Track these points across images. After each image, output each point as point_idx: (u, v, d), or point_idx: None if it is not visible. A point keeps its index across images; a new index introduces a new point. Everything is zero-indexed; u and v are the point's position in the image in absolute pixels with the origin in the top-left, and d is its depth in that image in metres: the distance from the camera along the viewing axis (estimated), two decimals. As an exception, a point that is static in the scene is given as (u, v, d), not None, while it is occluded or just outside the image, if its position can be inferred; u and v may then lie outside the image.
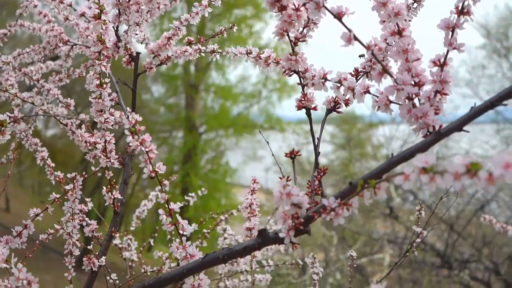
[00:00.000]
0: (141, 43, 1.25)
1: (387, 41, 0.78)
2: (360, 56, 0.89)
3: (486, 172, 0.46)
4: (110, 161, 1.10)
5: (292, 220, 0.70)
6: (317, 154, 0.85)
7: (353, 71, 0.87)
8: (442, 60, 0.71)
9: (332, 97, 0.88)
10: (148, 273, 1.47)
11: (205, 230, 1.68)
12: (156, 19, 1.30)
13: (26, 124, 1.27)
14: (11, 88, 1.29)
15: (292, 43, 0.84)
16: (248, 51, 1.02)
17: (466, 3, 0.69)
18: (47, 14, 1.48)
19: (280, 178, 0.71)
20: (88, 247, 1.15)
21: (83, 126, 1.27)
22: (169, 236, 1.64)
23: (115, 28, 1.21)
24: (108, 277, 1.18)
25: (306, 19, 0.80)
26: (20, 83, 1.54)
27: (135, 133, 0.72)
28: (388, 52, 0.78)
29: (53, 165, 1.31)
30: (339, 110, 0.89)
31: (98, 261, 1.12)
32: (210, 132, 11.86)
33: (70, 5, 1.40)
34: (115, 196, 1.16)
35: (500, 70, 9.38)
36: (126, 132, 0.72)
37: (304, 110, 0.90)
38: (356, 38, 0.70)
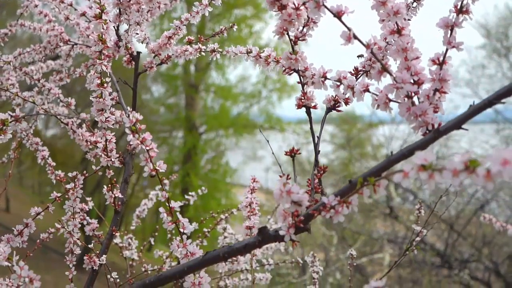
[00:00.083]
0: (142, 42, 1.25)
1: (386, 40, 0.78)
2: (358, 56, 0.89)
3: (484, 169, 0.46)
4: (111, 160, 1.11)
5: (292, 218, 0.70)
6: (317, 152, 0.85)
7: (353, 70, 0.88)
8: (441, 58, 0.71)
9: (332, 96, 0.88)
10: (149, 272, 1.47)
11: (205, 229, 1.68)
12: (156, 19, 1.31)
13: (27, 123, 1.28)
14: (12, 87, 1.29)
15: (292, 42, 0.85)
16: (248, 50, 1.03)
17: (465, 2, 0.69)
18: (48, 14, 1.48)
19: (280, 176, 0.71)
20: (89, 245, 1.16)
21: (83, 125, 1.27)
22: (169, 235, 1.64)
23: (116, 28, 1.21)
24: (108, 276, 1.19)
25: (306, 18, 0.80)
26: (21, 83, 1.55)
27: (136, 132, 0.73)
28: (388, 51, 0.79)
29: (54, 164, 1.31)
30: (339, 109, 0.89)
31: (99, 260, 1.12)
32: (210, 132, 11.87)
33: (71, 5, 1.40)
34: (116, 195, 1.17)
35: (500, 70, 9.39)
36: (127, 130, 0.72)
37: (304, 110, 0.91)
38: (355, 37, 0.70)
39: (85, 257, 1.13)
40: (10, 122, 0.91)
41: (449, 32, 0.70)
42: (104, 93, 1.00)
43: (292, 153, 0.88)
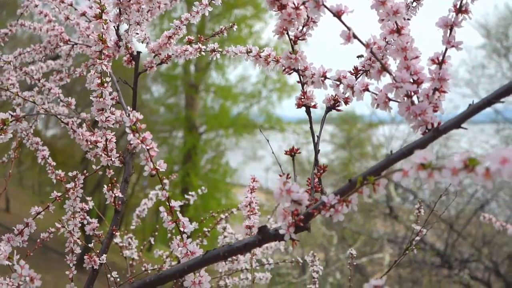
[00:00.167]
0: (142, 42, 1.25)
1: (386, 40, 0.78)
2: (358, 57, 0.89)
3: (484, 167, 0.46)
4: (111, 159, 1.11)
5: (292, 217, 0.70)
6: (316, 151, 0.85)
7: (353, 69, 0.88)
8: (440, 58, 0.71)
9: (332, 95, 0.88)
10: (149, 271, 1.48)
11: (205, 229, 1.68)
12: (156, 19, 1.31)
13: (27, 123, 1.28)
14: (12, 87, 1.29)
15: (292, 42, 0.85)
16: (248, 50, 1.03)
17: (464, 1, 0.70)
18: (48, 14, 1.48)
19: (280, 175, 0.71)
20: (89, 245, 1.16)
21: (84, 125, 1.27)
22: (169, 235, 1.64)
23: (116, 28, 1.22)
24: (109, 275, 1.19)
25: (306, 17, 0.81)
26: (21, 83, 1.55)
27: (136, 131, 0.73)
28: (387, 51, 0.79)
29: (54, 163, 1.31)
30: (338, 108, 0.90)
31: (99, 259, 1.13)
32: (210, 132, 11.87)
33: (71, 5, 1.40)
34: (116, 195, 1.17)
35: (500, 70, 9.40)
36: (127, 130, 0.73)
37: (304, 110, 0.91)
38: (355, 36, 0.70)
39: (85, 257, 1.13)
40: (11, 121, 0.91)
41: (449, 31, 0.70)
42: (104, 93, 1.01)
43: (292, 153, 0.88)
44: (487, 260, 6.60)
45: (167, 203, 0.80)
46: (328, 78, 0.85)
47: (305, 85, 0.88)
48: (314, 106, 0.89)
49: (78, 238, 1.14)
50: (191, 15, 1.21)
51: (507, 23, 9.23)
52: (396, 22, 0.73)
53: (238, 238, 1.71)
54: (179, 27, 1.23)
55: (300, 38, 0.85)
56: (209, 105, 11.77)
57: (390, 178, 0.59)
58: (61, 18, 1.44)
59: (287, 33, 0.83)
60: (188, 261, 0.77)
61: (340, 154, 11.71)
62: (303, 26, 0.85)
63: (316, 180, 0.83)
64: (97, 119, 1.06)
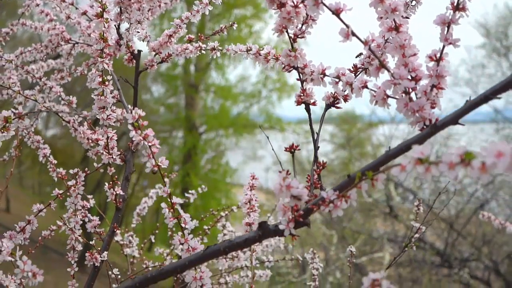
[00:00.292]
0: (143, 40, 1.26)
1: (384, 38, 0.79)
2: (357, 56, 0.90)
3: (480, 161, 0.47)
4: (112, 157, 1.12)
5: (291, 213, 0.71)
6: (316, 148, 0.86)
7: (352, 67, 0.89)
8: (438, 55, 0.72)
9: (331, 92, 0.89)
10: (150, 269, 1.48)
11: (205, 227, 1.69)
12: (156, 19, 1.32)
13: (29, 120, 1.29)
14: (14, 85, 1.30)
15: (291, 40, 0.86)
16: (248, 48, 1.04)
17: (461, -1, 0.70)
18: (49, 13, 1.49)
19: (280, 172, 0.72)
20: (91, 242, 1.17)
21: (85, 123, 1.28)
22: (169, 233, 1.65)
23: (117, 26, 1.22)
24: (110, 272, 1.20)
25: (305, 15, 0.82)
26: (22, 82, 1.56)
27: (138, 128, 0.74)
28: (386, 49, 0.80)
29: (55, 162, 1.32)
30: (338, 105, 0.90)
31: (101, 256, 1.13)
32: (210, 132, 11.87)
33: (72, 4, 1.41)
34: (117, 192, 1.18)
35: (500, 69, 9.41)
36: (130, 127, 0.74)
37: (303, 110, 0.92)
38: (354, 34, 0.71)
39: (86, 254, 1.14)
40: (13, 119, 0.92)
41: (446, 29, 0.71)
42: (105, 91, 1.01)
43: (292, 149, 0.89)
44: (487, 259, 6.61)
45: (169, 200, 0.81)
46: (327, 76, 0.86)
47: (304, 82, 0.89)
48: (314, 103, 0.89)
49: (80, 236, 1.15)
50: (191, 14, 1.22)
51: (506, 23, 9.24)
52: (394, 20, 0.74)
53: (238, 236, 1.71)
54: (180, 26, 1.24)
55: (299, 36, 0.86)
56: (209, 105, 11.77)
57: (390, 177, 0.60)
58: (62, 17, 1.44)
59: (287, 31, 0.84)
60: (189, 257, 0.78)
61: (340, 153, 11.72)
62: (302, 24, 0.85)
63: (316, 176, 0.84)
64: (98, 117, 1.07)
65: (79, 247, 1.18)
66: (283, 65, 0.90)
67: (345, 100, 0.88)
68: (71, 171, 1.14)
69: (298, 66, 0.88)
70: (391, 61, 0.79)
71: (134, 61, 1.30)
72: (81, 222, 1.18)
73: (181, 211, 0.81)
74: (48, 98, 1.47)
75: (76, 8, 1.42)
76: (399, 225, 7.82)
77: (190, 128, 11.21)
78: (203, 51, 1.28)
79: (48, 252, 8.17)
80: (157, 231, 1.87)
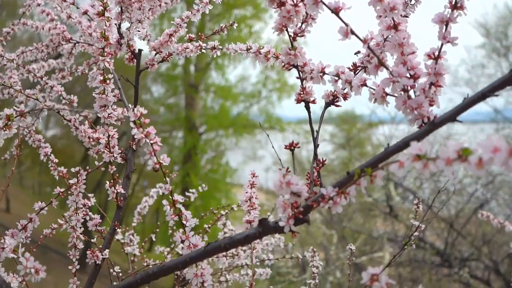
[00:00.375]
0: (143, 39, 1.27)
1: (384, 36, 0.80)
2: (356, 53, 0.91)
3: (476, 157, 0.48)
4: (113, 155, 1.12)
5: (291, 209, 0.72)
6: (316, 146, 0.87)
7: (351, 66, 0.89)
8: (436, 53, 0.73)
9: (331, 91, 0.90)
10: (150, 266, 1.49)
11: (206, 225, 1.70)
12: (156, 19, 1.32)
13: (31, 118, 1.30)
14: (15, 85, 1.31)
15: (291, 38, 0.87)
16: (248, 47, 1.05)
17: (459, -2, 0.71)
18: (50, 13, 1.50)
19: (280, 169, 0.73)
20: (92, 240, 1.17)
21: (86, 122, 1.29)
22: (170, 232, 1.66)
23: (118, 26, 1.23)
24: (111, 270, 1.20)
25: (305, 14, 0.82)
26: (23, 82, 1.57)
27: (140, 126, 0.74)
28: (385, 47, 0.81)
29: (57, 160, 1.33)
30: (337, 104, 0.91)
31: (102, 254, 1.14)
32: (210, 132, 11.88)
33: (73, 3, 1.42)
34: (118, 191, 1.19)
35: (500, 69, 9.42)
36: (132, 124, 0.74)
37: (303, 110, 0.93)
38: (353, 32, 0.72)
39: (88, 252, 1.15)
40: (15, 117, 0.93)
41: (444, 27, 0.72)
42: (106, 89, 1.02)
43: (292, 147, 0.90)
44: (487, 259, 6.61)
45: (170, 197, 0.82)
46: (326, 74, 0.87)
47: (304, 81, 0.89)
48: (313, 102, 0.90)
49: (81, 233, 1.15)
50: (191, 13, 1.23)
51: (506, 23, 9.25)
52: (393, 19, 0.74)
53: (239, 235, 1.72)
54: (180, 25, 1.25)
55: (299, 35, 0.86)
56: (209, 105, 11.78)
57: (390, 177, 0.61)
58: (63, 17, 1.45)
59: (287, 30, 0.85)
60: (190, 253, 0.78)
61: (340, 153, 11.73)
62: (302, 23, 0.86)
63: (315, 174, 0.85)
64: (99, 116, 1.08)
65: (80, 245, 1.18)
66: (283, 64, 0.91)
67: (345, 98, 0.89)
68: (72, 170, 1.15)
69: (298, 64, 0.88)
70: (390, 60, 0.80)
71: (135, 60, 1.31)
72: (83, 220, 1.19)
73: (182, 208, 0.82)
74: (49, 97, 1.48)
75: (77, 8, 1.42)
76: (399, 225, 7.83)
77: (190, 128, 11.22)
78: (203, 50, 1.28)
79: (48, 252, 8.18)
80: (157, 230, 1.87)
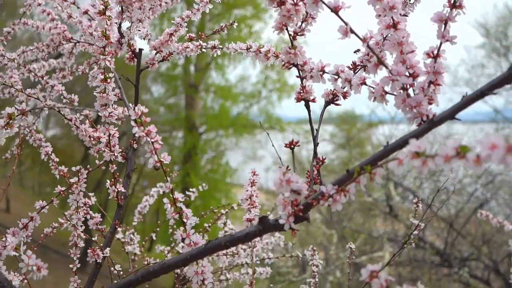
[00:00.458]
0: (144, 39, 1.28)
1: (383, 35, 0.80)
2: (355, 51, 0.92)
3: (474, 154, 0.48)
4: (114, 154, 1.13)
5: (291, 207, 0.72)
6: (316, 144, 0.87)
7: (351, 64, 0.90)
8: (435, 52, 0.73)
9: (330, 89, 0.91)
10: (151, 265, 1.49)
11: (206, 224, 1.70)
12: (156, 19, 1.33)
13: (32, 117, 1.30)
14: (16, 84, 1.32)
15: (291, 37, 0.87)
16: (248, 46, 1.05)
17: (458, -3, 0.72)
18: (51, 12, 1.50)
19: (280, 167, 0.73)
20: (93, 238, 1.18)
21: (86, 121, 1.29)
22: (170, 231, 1.66)
23: (118, 25, 1.24)
24: (112, 268, 1.21)
25: (304, 13, 0.83)
26: (23, 82, 1.57)
27: (141, 124, 0.75)
28: (384, 46, 0.81)
29: (57, 160, 1.33)
30: (337, 102, 0.92)
31: (103, 253, 1.15)
32: (210, 132, 11.89)
33: (73, 3, 1.42)
34: (119, 189, 1.19)
35: (500, 69, 9.42)
36: (133, 123, 0.75)
37: (303, 110, 0.93)
38: (352, 31, 0.72)
39: (88, 250, 1.15)
40: (17, 116, 0.93)
41: (443, 26, 0.72)
42: (107, 88, 1.03)
43: (292, 145, 0.90)
44: (487, 259, 6.62)
45: (171, 195, 0.82)
46: (326, 73, 0.88)
47: (304, 79, 0.90)
48: (313, 100, 0.91)
49: (82, 232, 1.16)
50: (192, 12, 1.24)
51: (506, 23, 9.26)
52: (392, 18, 0.75)
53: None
54: (181, 24, 1.25)
55: (299, 34, 0.87)
56: (209, 105, 11.79)
57: (390, 176, 0.61)
58: (64, 17, 1.46)
59: (287, 29, 0.86)
60: (190, 251, 0.79)
61: (340, 153, 11.74)
62: (302, 22, 0.87)
63: (315, 172, 0.85)
64: (100, 115, 1.08)
65: (81, 244, 1.19)
66: (283, 63, 0.92)
67: (344, 97, 0.90)
68: (73, 169, 1.15)
69: (298, 63, 0.89)
70: (390, 58, 0.80)
71: (135, 60, 1.32)
72: (83, 219, 1.19)
73: (183, 206, 0.82)
74: (50, 96, 1.49)
75: (78, 8, 1.43)
76: (399, 225, 7.83)
77: (190, 128, 11.22)
78: (203, 50, 1.29)
79: (48, 252, 8.18)
80: (158, 229, 1.88)
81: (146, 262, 1.56)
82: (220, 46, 1.26)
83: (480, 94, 0.64)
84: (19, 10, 1.58)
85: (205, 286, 0.80)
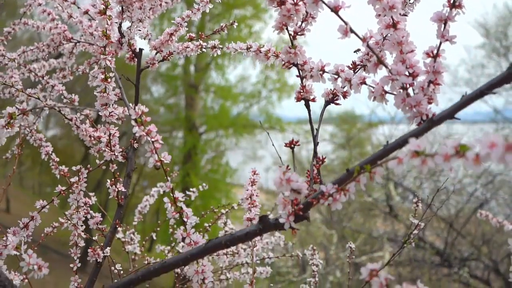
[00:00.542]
0: (144, 38, 1.28)
1: (383, 35, 0.81)
2: (355, 51, 0.92)
3: (474, 153, 0.49)
4: (114, 154, 1.13)
5: (291, 206, 0.72)
6: (316, 143, 0.88)
7: (351, 64, 0.90)
8: (435, 51, 0.74)
9: (330, 89, 0.91)
10: (151, 264, 1.49)
11: (206, 224, 1.70)
12: (156, 19, 1.33)
13: (33, 116, 1.31)
14: (17, 84, 1.32)
15: (291, 37, 0.87)
16: (248, 46, 1.05)
17: (457, -4, 0.72)
18: (51, 12, 1.51)
19: (280, 166, 0.74)
20: (94, 238, 1.18)
21: (87, 121, 1.29)
22: (170, 230, 1.66)
23: (119, 25, 1.24)
24: (112, 268, 1.21)
25: (305, 13, 0.83)
26: (24, 81, 1.57)
27: (142, 124, 0.75)
28: (384, 46, 0.82)
29: (58, 159, 1.33)
30: (337, 102, 0.92)
31: (103, 252, 1.15)
32: (210, 132, 11.89)
33: (74, 3, 1.43)
34: (119, 189, 1.19)
35: (500, 69, 9.42)
36: (133, 122, 0.75)
37: (303, 110, 0.93)
38: (352, 31, 0.73)
39: (89, 250, 1.16)
40: (18, 115, 0.93)
41: (443, 26, 0.73)
42: (108, 88, 1.03)
43: (292, 145, 0.90)
44: (487, 259, 6.62)
45: (171, 194, 0.82)
46: (326, 72, 0.88)
47: (304, 79, 0.90)
48: (313, 100, 0.91)
49: (83, 231, 1.16)
50: (192, 12, 1.24)
51: (506, 23, 9.26)
52: (392, 17, 0.75)
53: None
54: (181, 24, 1.26)
55: (299, 33, 0.87)
56: (209, 105, 11.79)
57: (390, 176, 0.61)
58: (64, 17, 1.46)
59: (287, 29, 0.86)
60: (191, 250, 0.79)
61: (340, 153, 11.74)
62: (302, 22, 0.87)
63: (315, 171, 0.86)
64: (100, 114, 1.08)
65: (82, 243, 1.19)
66: (283, 63, 0.92)
67: (344, 96, 0.90)
68: (73, 168, 1.16)
69: (298, 63, 0.89)
70: (389, 58, 0.80)
71: (136, 60, 1.32)
72: (84, 218, 1.20)
73: (183, 206, 0.83)
74: (50, 96, 1.49)
75: (78, 8, 1.43)
76: (399, 225, 7.84)
77: (190, 128, 11.22)
78: (203, 50, 1.29)
79: (48, 252, 8.18)
80: (158, 228, 1.88)
81: (146, 262, 1.56)
82: (220, 46, 1.26)
83: (480, 94, 0.64)
84: (19, 10, 1.58)
85: (205, 285, 0.80)
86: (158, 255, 1.79)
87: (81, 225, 1.18)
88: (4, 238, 0.85)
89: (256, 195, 1.06)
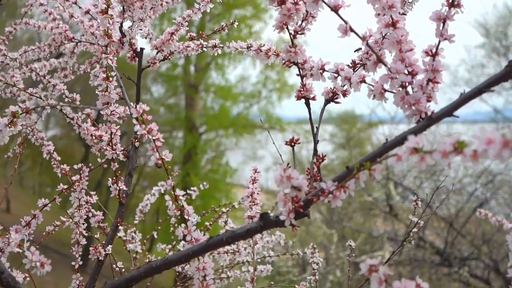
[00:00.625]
0: (145, 38, 1.29)
1: (382, 34, 0.81)
2: (356, 50, 0.93)
3: (471, 149, 0.49)
4: (115, 152, 1.14)
5: (292, 203, 0.73)
6: (316, 142, 0.88)
7: (351, 63, 0.91)
8: (434, 50, 0.74)
9: (330, 88, 0.92)
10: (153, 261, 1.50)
11: (207, 223, 1.71)
12: (156, 19, 1.34)
13: (36, 115, 1.31)
14: (19, 83, 1.33)
15: (291, 36, 0.88)
16: (249, 45, 1.06)
17: (456, -5, 0.73)
18: (52, 12, 1.51)
19: (280, 164, 0.74)
20: (95, 236, 1.19)
21: (88, 120, 1.30)
22: (172, 229, 1.67)
23: (120, 24, 1.25)
24: (114, 266, 1.22)
25: (305, 12, 0.84)
26: (25, 81, 1.58)
27: (143, 122, 0.76)
28: (384, 44, 0.82)
29: (59, 158, 1.34)
30: (337, 100, 0.93)
31: (105, 250, 1.16)
32: (210, 132, 11.90)
33: (75, 3, 1.43)
34: (120, 188, 1.20)
35: (499, 69, 9.37)
36: (134, 121, 0.76)
37: (303, 110, 0.94)
38: (352, 30, 0.73)
39: (90, 248, 1.16)
40: (21, 114, 0.94)
41: (441, 24, 0.73)
42: (109, 87, 1.04)
43: (292, 143, 0.91)
44: (487, 258, 6.63)
45: (172, 192, 0.83)
46: (326, 71, 0.89)
47: (304, 78, 0.91)
48: (313, 98, 0.92)
49: (84, 229, 1.17)
50: (193, 11, 1.25)
51: (506, 22, 9.27)
52: (391, 16, 0.76)
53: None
54: (181, 24, 1.27)
55: (299, 33, 0.88)
56: (209, 105, 11.80)
57: (390, 176, 0.62)
58: (65, 16, 1.47)
59: (287, 28, 0.87)
60: (192, 247, 0.80)
61: (340, 153, 11.75)
62: (302, 21, 0.88)
63: (315, 169, 0.86)
64: (102, 113, 1.09)
65: (83, 242, 1.20)
66: (283, 62, 0.93)
67: (344, 95, 0.91)
68: (75, 166, 1.16)
69: (298, 61, 0.90)
70: (389, 57, 0.81)
71: (137, 59, 1.33)
72: (85, 217, 1.20)
73: (184, 203, 0.83)
74: (52, 96, 1.50)
75: (79, 7, 1.44)
76: (399, 224, 7.84)
77: (190, 128, 11.23)
78: (204, 49, 1.30)
79: (48, 252, 8.18)
80: (159, 228, 1.89)
81: (147, 260, 1.57)
82: (221, 45, 1.27)
83: (478, 92, 0.65)
84: (19, 10, 1.59)
85: (206, 282, 0.81)
86: (159, 254, 1.79)
87: (83, 223, 1.18)
88: (7, 236, 0.86)
89: (257, 193, 1.07)
